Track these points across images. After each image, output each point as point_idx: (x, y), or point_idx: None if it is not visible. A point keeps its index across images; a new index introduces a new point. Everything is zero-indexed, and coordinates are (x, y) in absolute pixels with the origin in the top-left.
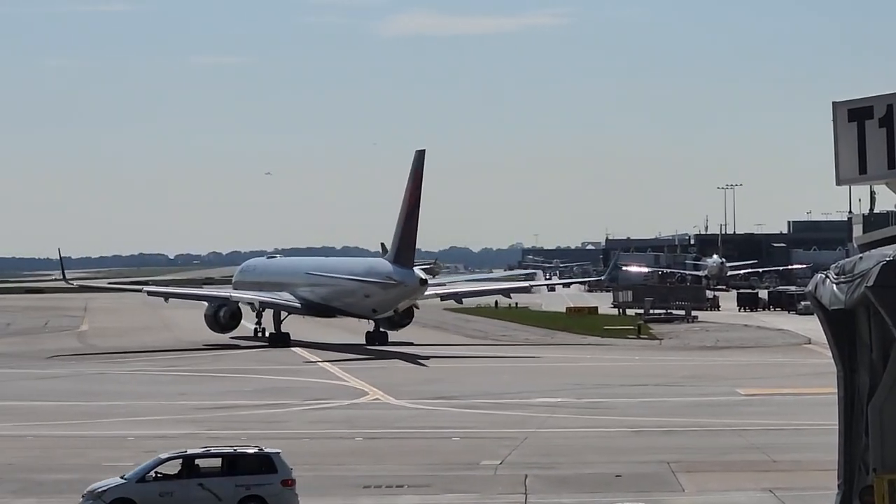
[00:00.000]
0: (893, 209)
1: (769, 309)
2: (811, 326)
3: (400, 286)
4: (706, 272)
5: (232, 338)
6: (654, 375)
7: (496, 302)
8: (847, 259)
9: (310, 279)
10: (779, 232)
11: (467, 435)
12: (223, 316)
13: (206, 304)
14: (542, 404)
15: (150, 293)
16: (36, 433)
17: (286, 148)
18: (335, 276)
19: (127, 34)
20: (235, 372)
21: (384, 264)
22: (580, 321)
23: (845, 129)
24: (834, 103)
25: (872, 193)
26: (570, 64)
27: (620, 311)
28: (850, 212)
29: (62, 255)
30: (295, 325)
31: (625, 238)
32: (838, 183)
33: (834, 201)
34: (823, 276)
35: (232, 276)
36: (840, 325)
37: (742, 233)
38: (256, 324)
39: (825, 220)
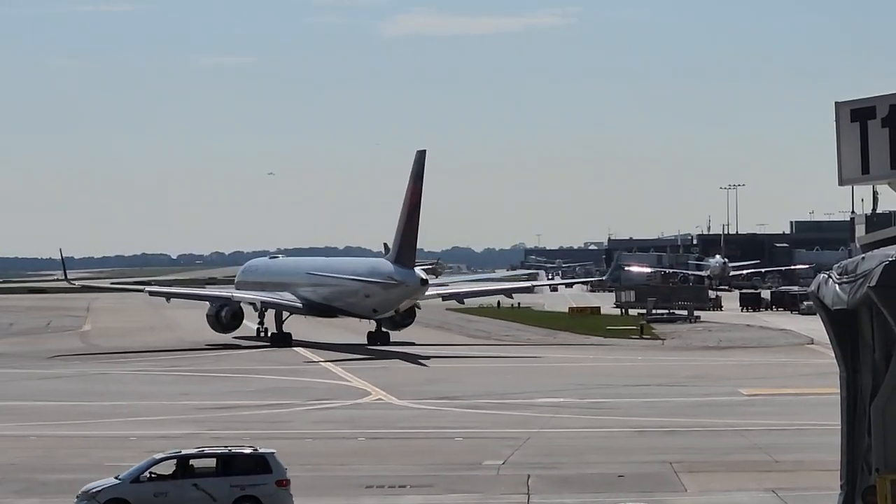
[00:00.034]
0: None
1: (772, 309)
2: (814, 326)
3: (401, 286)
4: (709, 272)
5: (234, 338)
6: (656, 375)
7: (499, 302)
8: (850, 259)
9: (311, 279)
10: (781, 232)
11: (470, 435)
12: (225, 316)
13: (207, 304)
14: (544, 404)
15: (151, 293)
16: (39, 433)
17: (289, 148)
18: (336, 276)
19: (129, 34)
20: (238, 372)
21: (385, 264)
22: (583, 321)
23: (848, 130)
24: (837, 103)
25: (875, 193)
26: (572, 64)
27: (623, 311)
28: (853, 212)
29: (64, 256)
30: (296, 325)
31: (627, 238)
32: (841, 183)
33: (836, 201)
34: (826, 276)
35: (235, 276)
36: (843, 326)
37: (745, 233)
38: (259, 324)
39: (828, 220)
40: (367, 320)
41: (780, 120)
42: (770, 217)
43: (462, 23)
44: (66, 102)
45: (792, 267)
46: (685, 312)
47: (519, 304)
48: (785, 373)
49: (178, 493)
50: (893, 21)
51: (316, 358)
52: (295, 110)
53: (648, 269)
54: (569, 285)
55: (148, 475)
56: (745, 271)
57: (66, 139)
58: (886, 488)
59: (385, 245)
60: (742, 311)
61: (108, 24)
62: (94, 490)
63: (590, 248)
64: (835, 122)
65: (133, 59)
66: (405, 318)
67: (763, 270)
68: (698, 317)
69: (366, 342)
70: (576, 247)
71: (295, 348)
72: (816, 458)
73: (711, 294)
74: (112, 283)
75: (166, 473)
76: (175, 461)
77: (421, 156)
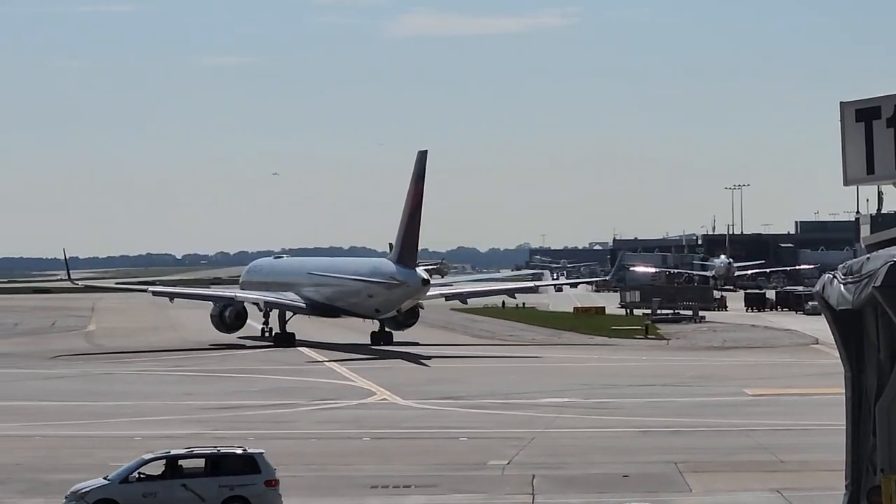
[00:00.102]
0: None
1: (777, 309)
2: (819, 327)
3: (403, 286)
4: (713, 272)
5: (238, 338)
6: (661, 376)
7: (503, 302)
8: (855, 259)
9: (314, 279)
10: (786, 232)
11: (475, 435)
12: (229, 316)
13: (211, 304)
14: (549, 404)
15: (154, 293)
16: (43, 433)
17: (293, 148)
18: (339, 276)
19: (130, 34)
20: (241, 372)
21: (387, 264)
22: (587, 321)
23: (853, 130)
24: (841, 103)
25: (880, 194)
26: (575, 64)
27: (628, 311)
28: (858, 212)
29: (69, 256)
30: (300, 325)
31: (632, 238)
32: (846, 183)
33: (841, 201)
34: (831, 276)
35: (239, 277)
36: (848, 326)
37: (749, 233)
38: (264, 324)
39: (833, 220)
40: (371, 320)
41: (785, 120)
42: (775, 217)
43: (463, 23)
44: (71, 102)
45: (797, 267)
46: (690, 312)
47: (524, 304)
48: (790, 373)
49: (167, 493)
50: None
51: (320, 358)
52: (296, 110)
53: (653, 270)
54: (573, 285)
55: (137, 475)
56: (749, 271)
57: (68, 139)
58: (891, 488)
59: (390, 245)
60: (747, 311)
61: (108, 24)
62: (83, 490)
63: (595, 248)
64: (840, 122)
65: (134, 59)
66: (408, 317)
67: (768, 270)
68: (703, 317)
69: (369, 342)
70: (580, 247)
71: (299, 348)
72: (821, 458)
73: (716, 294)
74: (116, 283)
75: (155, 474)
76: (164, 461)
77: (422, 156)
